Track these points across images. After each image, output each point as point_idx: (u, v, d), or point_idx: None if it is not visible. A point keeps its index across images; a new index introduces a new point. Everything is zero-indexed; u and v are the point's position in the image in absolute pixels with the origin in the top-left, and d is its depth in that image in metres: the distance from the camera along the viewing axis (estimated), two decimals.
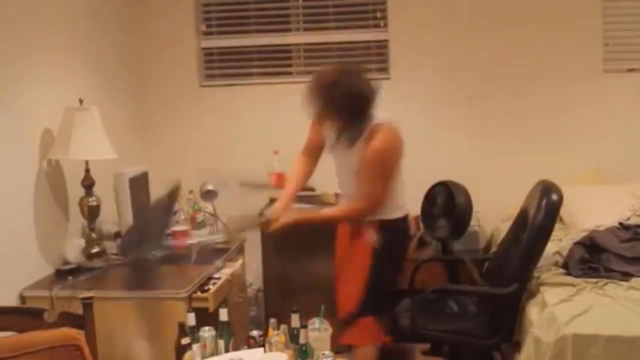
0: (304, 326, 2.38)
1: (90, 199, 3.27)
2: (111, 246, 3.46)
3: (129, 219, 3.41)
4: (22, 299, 2.97)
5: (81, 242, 3.30)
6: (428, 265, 3.65)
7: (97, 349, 2.43)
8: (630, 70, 4.30)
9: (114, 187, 3.41)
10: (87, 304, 2.45)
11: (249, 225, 3.57)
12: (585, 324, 2.61)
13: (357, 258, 3.12)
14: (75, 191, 3.31)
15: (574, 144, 4.29)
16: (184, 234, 3.58)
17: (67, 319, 2.38)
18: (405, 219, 3.19)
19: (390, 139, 2.97)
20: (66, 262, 3.27)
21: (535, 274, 3.15)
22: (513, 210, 3.48)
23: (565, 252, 3.32)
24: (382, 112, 3.01)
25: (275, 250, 4.04)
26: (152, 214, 3.36)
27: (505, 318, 3.08)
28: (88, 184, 3.27)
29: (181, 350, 2.39)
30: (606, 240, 3.29)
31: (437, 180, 3.99)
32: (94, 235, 3.29)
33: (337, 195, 3.95)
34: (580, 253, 3.25)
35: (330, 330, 2.49)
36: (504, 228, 3.63)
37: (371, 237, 3.07)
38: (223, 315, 2.48)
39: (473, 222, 3.89)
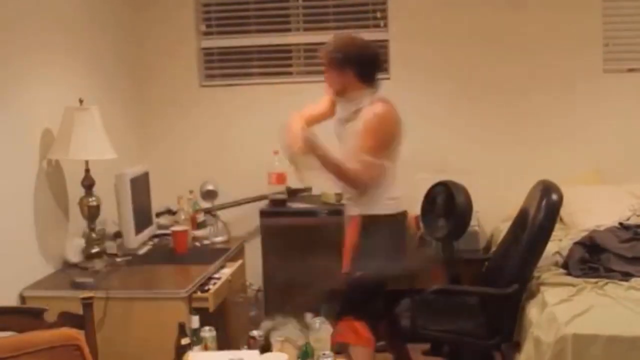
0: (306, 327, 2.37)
1: (90, 199, 3.27)
2: (111, 246, 3.46)
3: (129, 219, 3.42)
4: (22, 299, 2.97)
5: (81, 242, 3.30)
6: (428, 266, 3.65)
7: (97, 349, 2.43)
8: (630, 70, 4.30)
9: (115, 188, 3.42)
10: (87, 304, 2.45)
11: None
12: (585, 324, 2.61)
13: (345, 255, 3.13)
14: (76, 191, 3.31)
15: (574, 144, 4.29)
16: (184, 234, 3.58)
17: (67, 319, 2.38)
18: (396, 217, 3.14)
19: (389, 110, 3.07)
20: (67, 262, 3.28)
21: (535, 274, 3.15)
22: (513, 210, 3.48)
23: (565, 252, 3.32)
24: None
25: (275, 250, 4.04)
26: None
27: (505, 318, 3.08)
28: (88, 184, 3.27)
29: (181, 350, 2.40)
30: (606, 240, 3.29)
31: (436, 180, 3.99)
32: (93, 235, 3.29)
33: (337, 194, 3.97)
34: (580, 253, 3.25)
35: (331, 331, 2.49)
36: (504, 228, 3.63)
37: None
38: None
39: (473, 222, 3.88)
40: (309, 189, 4.26)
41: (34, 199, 3.13)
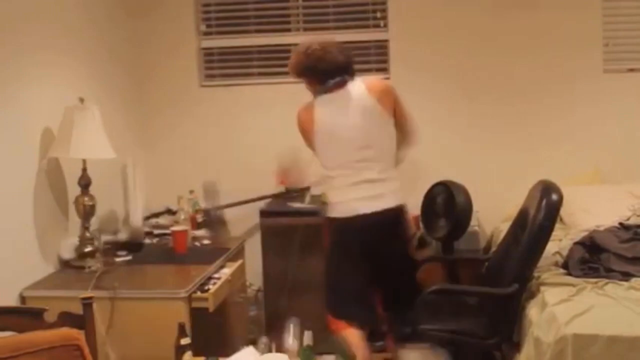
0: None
1: (86, 198, 3.27)
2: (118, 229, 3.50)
3: (138, 206, 3.48)
4: (22, 299, 2.97)
5: (75, 241, 3.29)
6: (428, 265, 3.65)
7: (97, 349, 2.43)
8: (630, 70, 4.30)
9: (121, 175, 3.44)
10: (87, 304, 2.44)
11: None
12: (585, 324, 2.60)
13: None
14: (75, 190, 3.31)
15: (574, 144, 4.29)
16: (184, 234, 3.58)
17: (67, 319, 2.38)
18: (346, 220, 3.10)
19: None
20: (66, 263, 3.28)
21: (535, 274, 3.15)
22: (513, 210, 3.48)
23: (565, 252, 3.32)
24: None
25: (275, 250, 4.05)
26: None
27: (505, 318, 3.07)
28: (85, 183, 3.27)
29: (180, 350, 2.40)
30: (606, 240, 3.29)
31: (436, 180, 3.99)
32: (87, 234, 3.29)
33: None
34: (580, 253, 3.25)
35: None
36: (504, 228, 3.63)
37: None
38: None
39: (473, 222, 3.89)
40: (305, 188, 4.26)
41: (34, 199, 3.13)
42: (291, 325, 2.75)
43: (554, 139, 4.30)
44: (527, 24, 4.27)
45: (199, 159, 4.49)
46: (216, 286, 3.15)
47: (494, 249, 3.86)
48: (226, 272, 3.39)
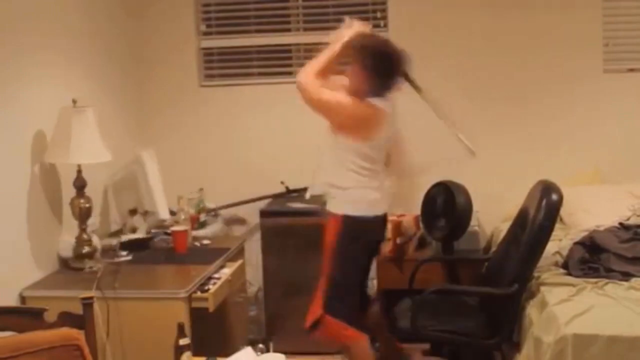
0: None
1: (81, 200, 3.26)
2: (140, 222, 3.53)
3: (162, 199, 3.59)
4: (22, 299, 2.97)
5: (72, 240, 3.29)
6: (428, 265, 3.65)
7: (97, 349, 2.43)
8: (630, 70, 4.29)
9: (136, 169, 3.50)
10: (87, 304, 2.44)
11: None
12: (585, 324, 2.61)
13: (325, 255, 3.14)
14: (72, 191, 3.30)
15: (574, 144, 4.29)
16: (184, 234, 3.57)
17: (67, 319, 2.37)
18: (372, 220, 3.15)
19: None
20: (65, 264, 3.28)
21: (535, 274, 3.15)
22: (513, 210, 3.48)
23: (565, 252, 3.32)
24: None
25: (275, 250, 4.05)
26: None
27: (505, 318, 3.07)
28: (80, 185, 3.26)
29: (179, 350, 2.39)
30: (606, 241, 3.29)
31: (436, 180, 3.99)
32: (84, 236, 3.28)
33: None
34: (580, 253, 3.25)
35: None
36: (504, 228, 3.63)
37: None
38: None
39: (473, 222, 3.88)
40: (303, 188, 4.26)
41: (33, 199, 3.12)
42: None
43: (554, 139, 4.30)
44: (527, 24, 4.26)
45: (199, 159, 4.48)
46: (216, 286, 3.15)
47: (494, 249, 3.86)
48: (226, 272, 3.39)
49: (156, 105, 4.51)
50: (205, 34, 4.55)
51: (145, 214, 3.71)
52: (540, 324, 2.77)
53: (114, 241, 3.55)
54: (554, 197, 3.05)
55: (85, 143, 3.14)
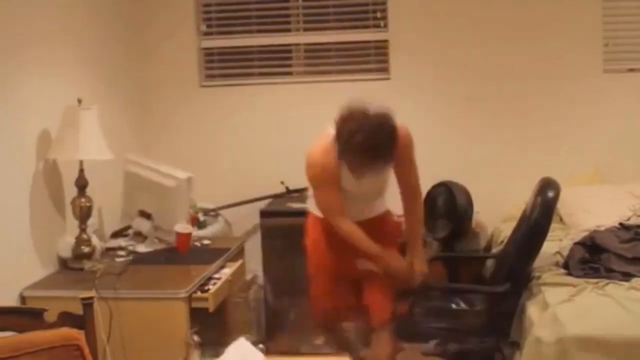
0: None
1: (82, 200, 3.26)
2: (146, 226, 3.52)
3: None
4: (22, 299, 2.97)
5: (71, 241, 3.29)
6: (428, 265, 3.65)
7: (97, 349, 2.43)
8: (630, 70, 4.30)
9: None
10: (87, 304, 2.44)
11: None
12: (586, 324, 2.61)
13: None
14: (74, 190, 3.31)
15: (574, 144, 4.29)
16: (188, 236, 3.56)
17: (67, 319, 2.37)
18: None
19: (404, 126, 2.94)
20: (65, 264, 3.27)
21: (536, 274, 3.15)
22: (513, 210, 3.49)
23: (565, 252, 3.32)
24: None
25: (275, 250, 4.04)
26: None
27: (505, 318, 3.07)
28: (81, 184, 3.26)
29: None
30: (606, 241, 3.29)
31: (437, 180, 3.99)
32: (84, 236, 3.28)
33: None
34: (580, 253, 3.25)
35: None
36: (504, 228, 3.64)
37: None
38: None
39: (473, 222, 3.89)
40: (302, 189, 4.26)
41: (33, 199, 3.12)
42: None
43: (554, 139, 4.30)
44: (527, 24, 4.27)
45: (199, 159, 4.48)
46: (216, 286, 3.15)
47: (494, 248, 3.86)
48: (226, 272, 3.38)
49: (156, 105, 4.51)
50: (206, 34, 4.55)
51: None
52: (540, 324, 2.77)
53: (115, 242, 3.55)
54: (550, 194, 3.05)
55: (85, 140, 3.13)
